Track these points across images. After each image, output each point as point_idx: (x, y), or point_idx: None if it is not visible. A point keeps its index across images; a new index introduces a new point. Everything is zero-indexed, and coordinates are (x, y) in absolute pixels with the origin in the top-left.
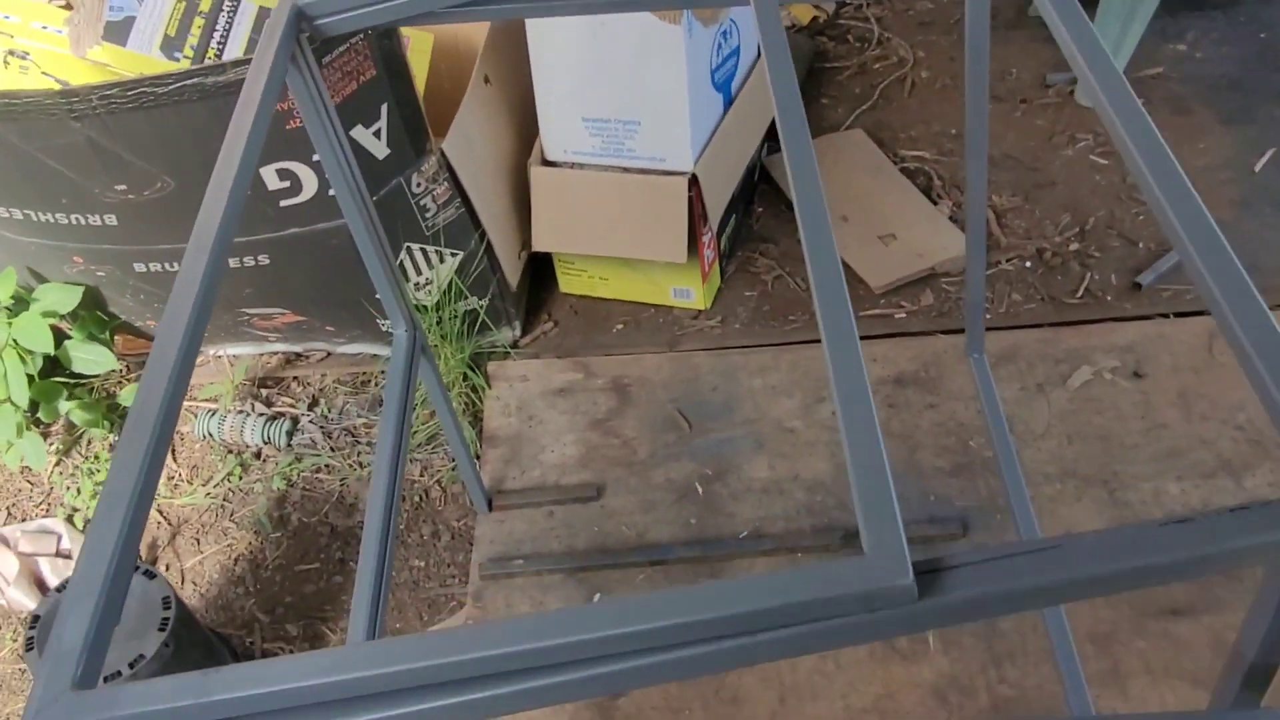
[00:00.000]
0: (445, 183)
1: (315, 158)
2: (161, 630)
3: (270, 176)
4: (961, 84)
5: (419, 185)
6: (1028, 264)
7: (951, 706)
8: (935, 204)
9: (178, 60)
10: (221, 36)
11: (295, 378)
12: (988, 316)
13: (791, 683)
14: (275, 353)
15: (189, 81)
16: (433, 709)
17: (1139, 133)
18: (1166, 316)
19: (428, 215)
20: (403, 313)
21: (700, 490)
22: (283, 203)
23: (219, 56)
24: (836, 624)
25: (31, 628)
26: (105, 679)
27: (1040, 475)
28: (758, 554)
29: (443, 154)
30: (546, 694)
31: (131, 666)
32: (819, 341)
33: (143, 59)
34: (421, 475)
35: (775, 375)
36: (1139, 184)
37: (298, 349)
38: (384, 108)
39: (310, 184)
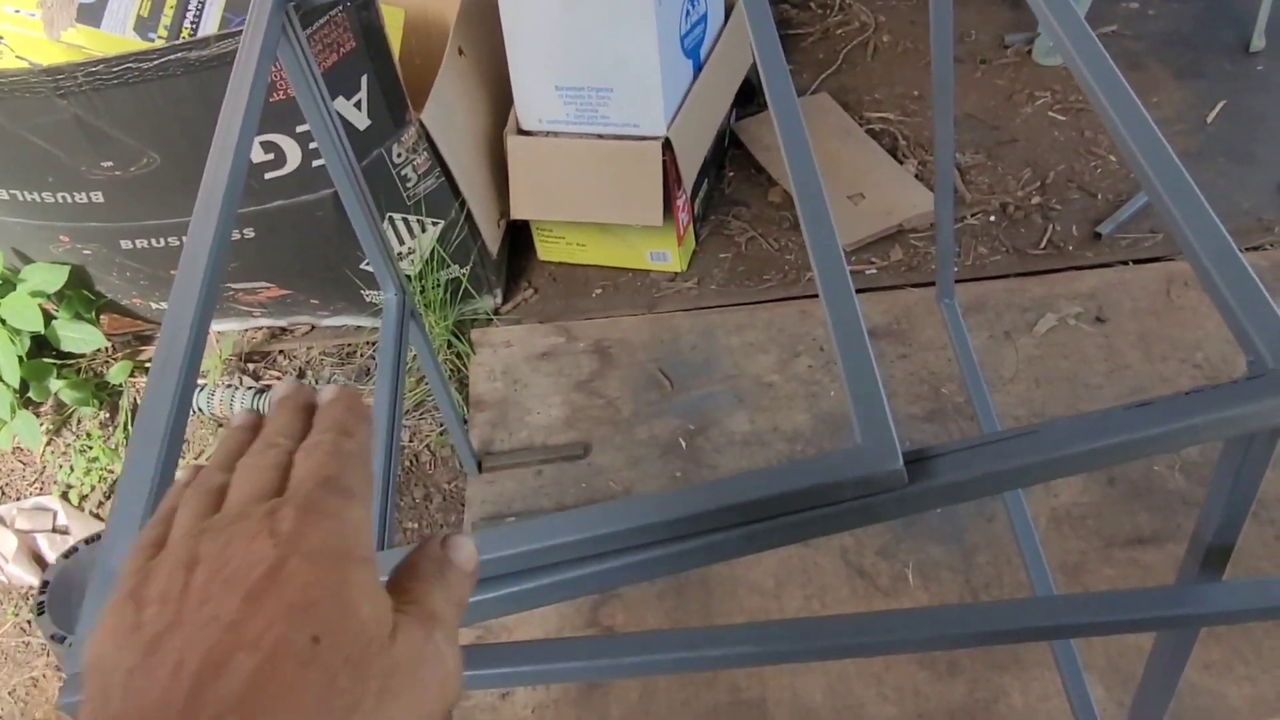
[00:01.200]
0: (425, 153)
1: (299, 129)
2: None
3: (254, 149)
4: (922, 46)
5: (399, 155)
6: (992, 218)
7: None
8: (901, 163)
9: (152, 40)
10: (195, 16)
11: (281, 351)
12: (955, 269)
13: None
14: (260, 328)
15: (173, 56)
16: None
17: (1107, 82)
18: (1126, 264)
19: (408, 185)
20: (391, 277)
21: (684, 445)
22: (267, 175)
23: (193, 36)
24: (833, 510)
25: (41, 593)
26: None
27: (1010, 417)
28: None
29: (421, 124)
30: (557, 590)
31: None
32: (794, 299)
33: (117, 40)
34: (411, 440)
35: (752, 332)
36: (1107, 128)
37: (282, 323)
38: (364, 79)
39: (294, 156)
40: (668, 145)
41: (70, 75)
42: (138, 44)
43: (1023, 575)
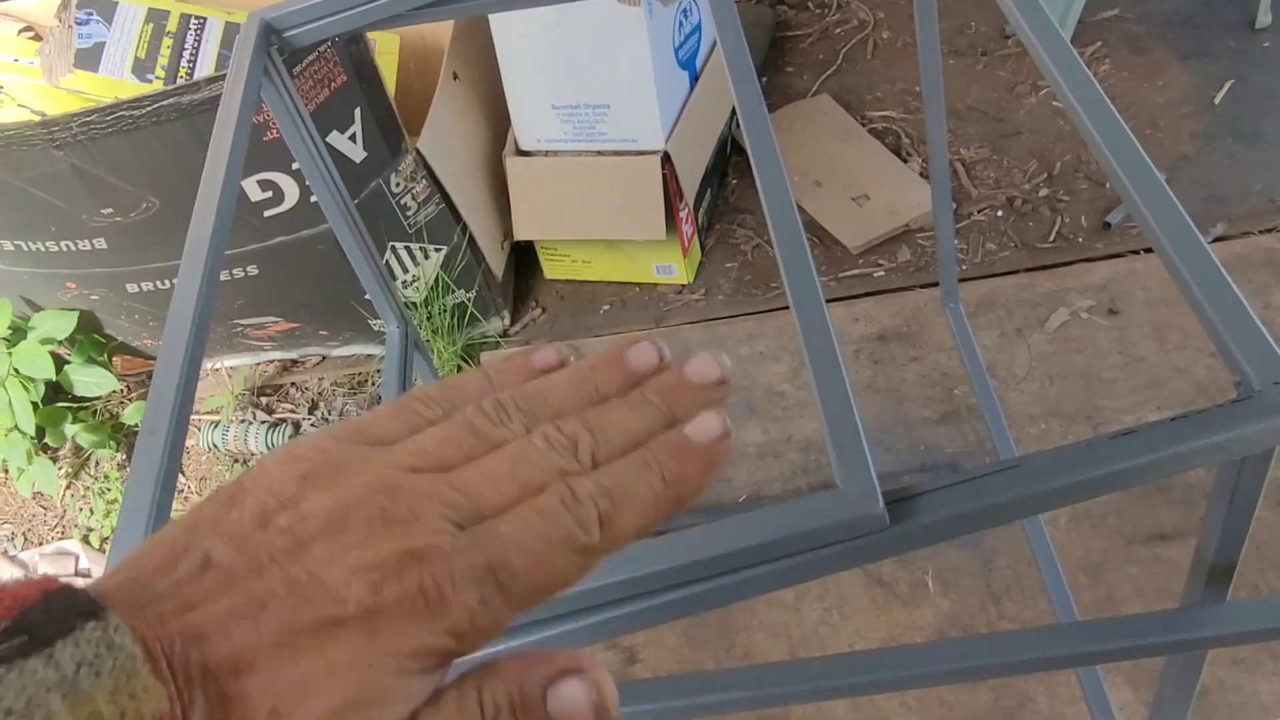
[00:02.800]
0: (423, 180)
1: (295, 166)
2: None
3: (252, 188)
4: None
5: (398, 185)
6: (999, 213)
7: None
8: (905, 162)
9: (150, 82)
10: (191, 55)
11: (293, 383)
12: (964, 268)
13: (800, 636)
14: (271, 361)
15: (165, 102)
16: None
17: (1079, 86)
18: (1137, 253)
19: (409, 214)
20: (393, 310)
21: None
22: (266, 213)
23: (190, 75)
24: (817, 555)
25: None
26: None
27: (1025, 416)
28: None
29: (418, 153)
30: (553, 643)
31: None
32: None
33: (116, 83)
34: None
35: (762, 342)
36: (1083, 137)
37: (293, 355)
38: (357, 112)
39: (292, 193)
40: (667, 158)
41: (65, 126)
42: (137, 86)
43: (1041, 576)
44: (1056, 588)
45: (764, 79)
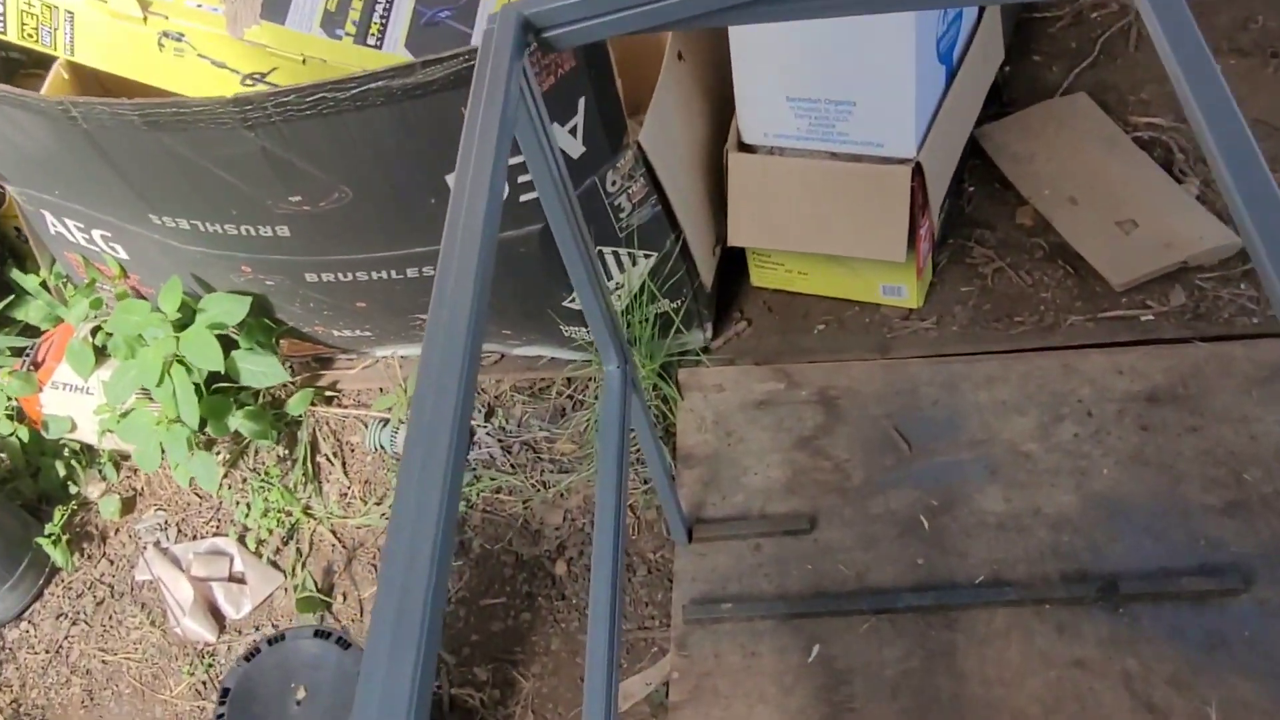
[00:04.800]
0: (641, 179)
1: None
2: None
3: None
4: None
5: (614, 184)
6: None
7: None
8: (1180, 182)
9: (339, 38)
10: (384, 12)
11: None
12: (1254, 320)
13: None
14: None
15: (373, 85)
16: None
17: None
18: None
19: (621, 215)
20: (615, 346)
21: (926, 524)
22: None
23: (381, 32)
24: None
25: (221, 703)
26: None
27: None
28: (999, 604)
29: (639, 147)
30: None
31: None
32: (1054, 349)
33: (303, 38)
34: None
35: (1005, 388)
36: None
37: None
38: (581, 102)
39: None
40: (918, 170)
41: (259, 106)
42: (324, 42)
43: None
44: None
45: (1007, 68)
